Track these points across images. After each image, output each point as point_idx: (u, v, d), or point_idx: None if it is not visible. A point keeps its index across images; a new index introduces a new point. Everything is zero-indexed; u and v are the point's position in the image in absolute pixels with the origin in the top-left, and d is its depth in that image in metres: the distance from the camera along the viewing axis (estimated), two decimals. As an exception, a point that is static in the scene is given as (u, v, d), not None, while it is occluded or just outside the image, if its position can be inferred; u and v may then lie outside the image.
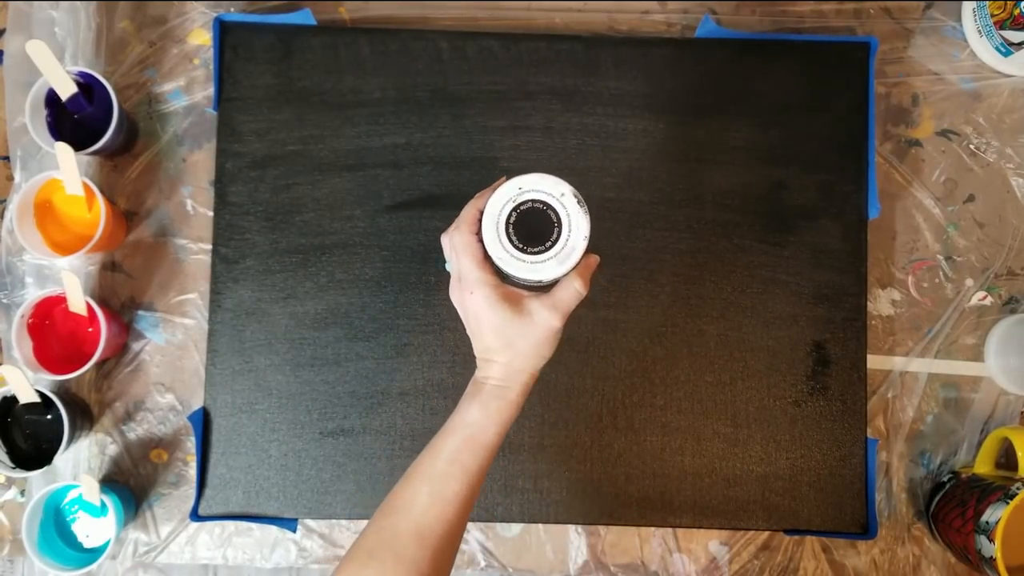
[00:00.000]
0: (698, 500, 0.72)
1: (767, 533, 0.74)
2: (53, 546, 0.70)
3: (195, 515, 0.71)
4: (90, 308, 0.69)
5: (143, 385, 0.75)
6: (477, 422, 0.54)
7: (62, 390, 0.74)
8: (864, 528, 0.72)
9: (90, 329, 0.71)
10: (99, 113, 0.71)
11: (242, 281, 0.73)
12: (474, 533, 0.74)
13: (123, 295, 0.75)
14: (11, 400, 0.69)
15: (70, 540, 0.71)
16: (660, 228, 0.74)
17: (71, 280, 0.68)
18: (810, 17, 0.78)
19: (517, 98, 0.74)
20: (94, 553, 0.71)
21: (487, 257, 0.53)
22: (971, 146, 0.77)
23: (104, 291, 0.75)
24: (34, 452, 0.71)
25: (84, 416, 0.73)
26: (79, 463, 0.74)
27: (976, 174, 0.77)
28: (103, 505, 0.69)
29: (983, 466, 0.73)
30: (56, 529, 0.71)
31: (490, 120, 0.74)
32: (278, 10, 0.77)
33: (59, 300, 0.71)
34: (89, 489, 0.68)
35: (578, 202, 0.53)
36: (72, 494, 0.71)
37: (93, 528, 0.71)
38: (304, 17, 0.74)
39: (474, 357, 0.56)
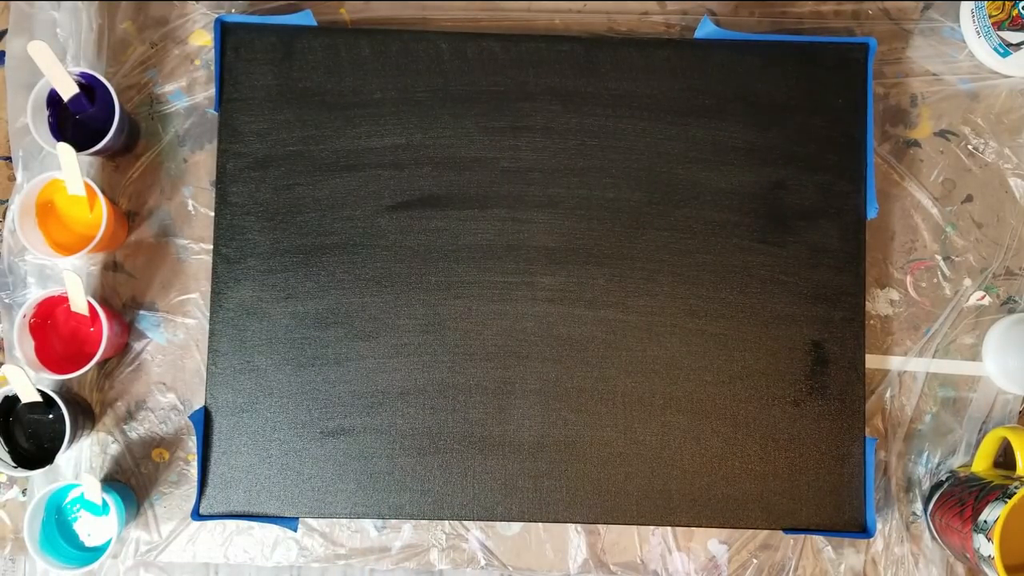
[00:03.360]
0: (697, 499, 0.72)
1: (766, 532, 0.75)
2: (55, 545, 0.70)
3: (196, 514, 0.71)
4: (92, 308, 0.69)
5: (144, 384, 0.75)
6: None
7: (64, 389, 0.74)
8: (862, 527, 0.72)
9: (92, 329, 0.72)
10: (101, 114, 0.71)
11: (243, 281, 0.73)
12: (474, 532, 0.75)
13: (124, 295, 0.76)
14: (13, 399, 0.70)
15: (72, 539, 0.71)
16: (659, 228, 0.74)
17: (73, 280, 0.68)
18: (809, 18, 0.79)
19: (517, 99, 0.75)
20: (96, 552, 0.71)
21: None
22: (969, 146, 0.78)
23: (106, 291, 0.76)
24: (36, 451, 0.71)
25: (86, 415, 0.73)
26: (80, 462, 0.74)
27: (974, 174, 0.78)
28: (104, 504, 0.69)
29: (981, 465, 0.73)
30: (58, 528, 0.71)
31: (490, 121, 0.74)
32: (279, 11, 0.77)
33: (61, 300, 0.71)
34: (91, 488, 0.68)
35: None
36: (74, 493, 0.71)
37: (95, 527, 0.72)
38: (305, 18, 0.75)
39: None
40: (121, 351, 0.75)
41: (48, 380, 0.73)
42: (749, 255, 0.74)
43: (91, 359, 0.69)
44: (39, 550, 0.68)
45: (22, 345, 0.69)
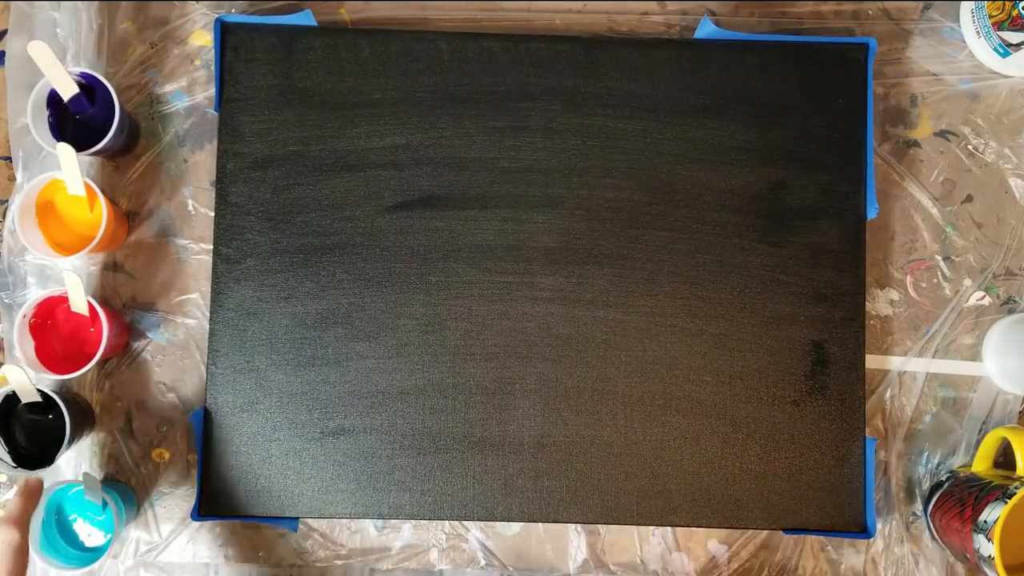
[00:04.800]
0: (697, 499, 0.72)
1: (766, 532, 0.75)
2: (55, 545, 0.70)
3: (196, 514, 0.71)
4: (92, 308, 0.69)
5: (144, 384, 0.75)
6: None
7: (64, 389, 0.74)
8: (863, 527, 0.72)
9: (92, 329, 0.72)
10: (101, 114, 0.71)
11: (243, 281, 0.73)
12: (474, 532, 0.75)
13: (124, 295, 0.76)
14: (13, 399, 0.70)
15: (71, 539, 0.71)
16: (659, 228, 0.74)
17: (73, 280, 0.68)
18: (809, 18, 0.79)
19: (517, 99, 0.75)
20: (95, 552, 0.71)
21: None
22: (969, 147, 0.78)
23: (106, 291, 0.76)
24: (36, 451, 0.71)
25: (86, 415, 0.73)
26: (80, 462, 0.74)
27: (974, 174, 0.78)
28: (104, 504, 0.69)
29: (981, 465, 0.73)
30: (58, 528, 0.71)
31: (490, 121, 0.74)
32: (279, 11, 0.77)
33: (61, 300, 0.71)
34: (91, 488, 0.68)
35: None
36: (70, 494, 0.71)
37: (94, 527, 0.72)
38: (305, 18, 0.75)
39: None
40: (121, 351, 0.75)
41: (48, 380, 0.73)
42: (749, 255, 0.74)
43: (91, 359, 0.69)
44: (39, 550, 0.68)
45: (22, 345, 0.69)
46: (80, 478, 0.71)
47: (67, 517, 0.72)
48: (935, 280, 0.77)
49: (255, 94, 0.74)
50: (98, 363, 0.72)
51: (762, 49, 0.75)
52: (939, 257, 0.77)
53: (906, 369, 0.76)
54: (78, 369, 0.69)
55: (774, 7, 0.78)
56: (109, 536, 0.70)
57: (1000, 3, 0.74)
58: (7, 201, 0.77)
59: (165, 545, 0.74)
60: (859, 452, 0.73)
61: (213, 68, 0.76)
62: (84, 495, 0.69)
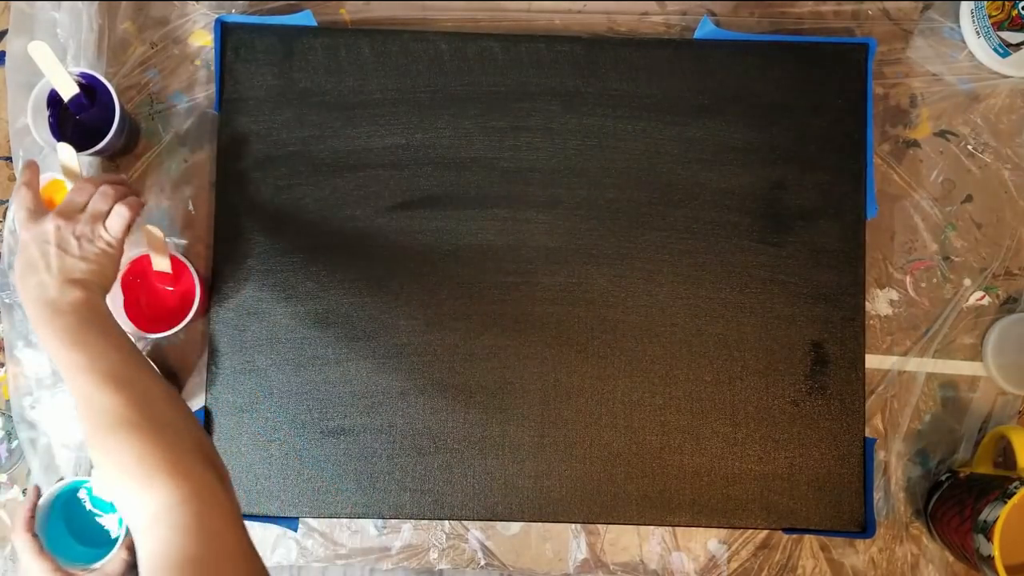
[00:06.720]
0: (697, 499, 0.72)
1: (766, 532, 0.75)
2: (60, 543, 0.70)
3: (197, 514, 0.71)
4: (176, 261, 0.70)
5: (145, 384, 0.75)
6: None
7: None
8: (862, 527, 0.72)
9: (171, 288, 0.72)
10: (101, 114, 0.71)
11: (243, 281, 0.73)
12: (474, 532, 0.75)
13: (125, 295, 0.76)
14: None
15: (77, 537, 0.71)
16: (659, 228, 0.74)
17: (154, 235, 0.68)
18: (809, 18, 0.79)
19: (517, 99, 0.75)
20: (101, 550, 0.71)
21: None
22: (969, 147, 0.78)
23: (106, 291, 0.76)
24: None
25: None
26: (82, 461, 0.75)
27: (974, 175, 0.78)
28: (110, 502, 0.69)
29: (981, 465, 0.73)
30: (64, 526, 0.71)
31: (490, 121, 0.75)
32: (279, 11, 0.77)
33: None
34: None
35: None
36: (79, 492, 0.71)
37: (100, 526, 0.72)
38: (305, 18, 0.75)
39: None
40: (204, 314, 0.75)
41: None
42: (749, 255, 0.74)
43: (177, 319, 0.70)
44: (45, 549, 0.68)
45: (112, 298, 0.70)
46: (87, 476, 0.71)
47: (73, 516, 0.72)
48: (935, 280, 0.77)
49: (255, 94, 0.74)
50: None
51: (762, 49, 0.75)
52: (939, 257, 0.77)
53: (906, 369, 0.76)
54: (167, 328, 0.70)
55: (774, 7, 0.78)
56: (116, 535, 0.70)
57: (1000, 3, 0.74)
58: (7, 201, 0.77)
59: (165, 545, 0.74)
60: (859, 452, 0.73)
61: (213, 68, 0.76)
62: (90, 493, 0.69)
